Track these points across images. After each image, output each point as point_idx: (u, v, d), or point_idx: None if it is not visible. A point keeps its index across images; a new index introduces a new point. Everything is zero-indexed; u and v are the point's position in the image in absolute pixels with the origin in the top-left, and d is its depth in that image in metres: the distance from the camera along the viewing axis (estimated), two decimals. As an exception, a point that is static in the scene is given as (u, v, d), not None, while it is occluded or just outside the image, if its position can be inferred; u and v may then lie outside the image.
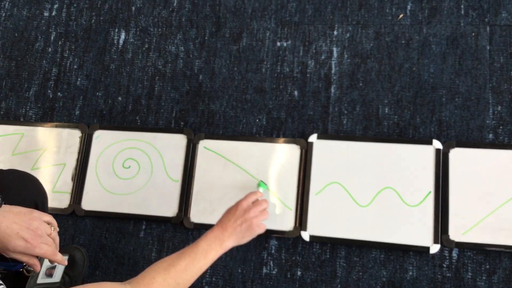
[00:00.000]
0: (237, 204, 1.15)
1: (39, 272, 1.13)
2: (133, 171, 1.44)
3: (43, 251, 0.89)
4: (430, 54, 1.41)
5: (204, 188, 1.40)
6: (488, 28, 1.40)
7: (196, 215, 1.39)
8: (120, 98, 1.53)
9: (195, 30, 1.56)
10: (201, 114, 1.48)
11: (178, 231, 1.40)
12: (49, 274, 1.17)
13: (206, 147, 1.44)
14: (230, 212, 1.14)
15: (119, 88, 1.54)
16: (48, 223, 0.93)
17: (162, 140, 1.46)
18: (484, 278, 1.25)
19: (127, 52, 1.57)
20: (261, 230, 1.14)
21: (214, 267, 1.36)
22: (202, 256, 1.04)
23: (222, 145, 1.43)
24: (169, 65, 1.54)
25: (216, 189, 1.39)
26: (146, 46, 1.56)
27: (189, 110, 1.49)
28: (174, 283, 0.97)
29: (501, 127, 1.33)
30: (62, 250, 1.36)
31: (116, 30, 1.60)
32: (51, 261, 0.97)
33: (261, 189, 1.27)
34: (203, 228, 1.38)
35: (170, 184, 1.42)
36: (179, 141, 1.45)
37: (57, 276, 1.21)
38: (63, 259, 0.94)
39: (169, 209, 1.40)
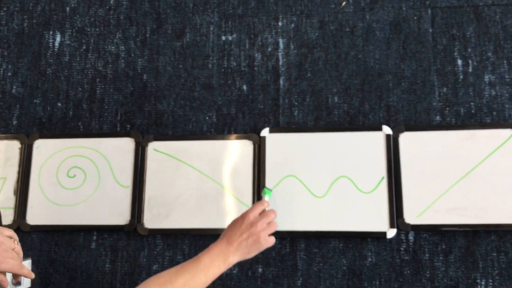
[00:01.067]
0: (243, 216, 1.06)
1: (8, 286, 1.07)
2: (79, 180, 1.38)
3: (9, 266, 0.86)
4: (374, 40, 1.43)
5: (156, 192, 1.36)
6: (429, 11, 1.43)
7: (150, 221, 1.35)
8: (59, 104, 1.46)
9: (135, 28, 1.50)
10: (148, 115, 1.43)
11: (132, 239, 1.36)
12: (17, 283, 1.10)
13: (156, 149, 1.39)
14: (235, 224, 1.05)
15: (57, 94, 1.47)
16: (10, 237, 0.89)
17: (108, 145, 1.40)
18: (441, 258, 1.28)
19: (64, 55, 1.50)
20: (269, 244, 1.05)
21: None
22: (203, 272, 0.97)
23: (173, 146, 1.39)
24: (110, 65, 1.48)
25: (170, 192, 1.36)
26: (84, 48, 1.50)
27: (135, 112, 1.44)
28: None
29: (447, 109, 1.36)
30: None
31: (51, 32, 1.52)
32: (15, 276, 0.94)
33: (266, 197, 1.16)
34: (159, 234, 1.34)
35: (120, 190, 1.37)
36: (126, 144, 1.40)
37: (26, 282, 1.14)
38: (30, 272, 0.90)
39: (121, 217, 1.35)
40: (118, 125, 1.43)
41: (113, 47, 1.49)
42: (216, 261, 0.99)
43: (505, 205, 1.27)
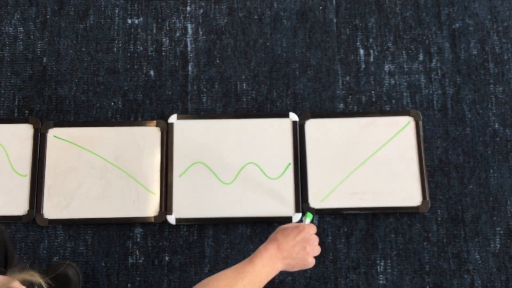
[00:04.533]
0: (300, 229, 1.01)
1: None
2: (-28, 168, 1.31)
3: None
4: (282, 28, 1.46)
5: (57, 181, 1.31)
6: (334, 1, 1.48)
7: (50, 211, 1.30)
8: (-51, 88, 1.37)
9: (34, 9, 1.43)
10: (48, 100, 1.37)
11: (31, 230, 1.30)
12: None
13: (56, 136, 1.34)
14: (290, 233, 1.00)
15: None
16: None
17: (4, 132, 1.33)
18: (343, 240, 1.34)
19: (-47, 35, 1.40)
20: (311, 266, 1.02)
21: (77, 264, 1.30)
22: (258, 278, 0.94)
23: (75, 133, 1.34)
24: (7, 48, 1.40)
25: (71, 180, 1.32)
26: (-23, 27, 1.41)
27: (33, 97, 1.38)
28: None
29: (350, 97, 1.42)
30: (51, 267, 1.23)
31: None
32: None
33: (308, 221, 1.11)
34: (60, 224, 1.30)
35: (17, 179, 1.31)
36: (24, 131, 1.34)
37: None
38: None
39: (19, 207, 1.29)
40: (15, 110, 1.36)
41: (10, 29, 1.41)
42: (267, 267, 0.96)
43: (401, 189, 1.35)
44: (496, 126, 1.40)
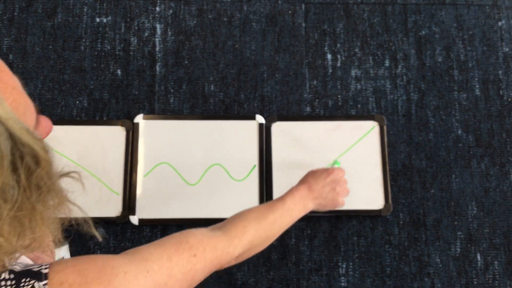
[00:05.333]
0: (329, 172, 1.11)
1: None
2: None
3: None
4: (251, 31, 1.49)
5: (20, 179, 1.32)
6: (303, 6, 1.52)
7: (13, 209, 1.31)
8: None
9: (2, 5, 1.43)
10: (12, 97, 1.38)
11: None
12: None
13: (20, 133, 1.35)
14: (320, 176, 1.09)
15: None
16: None
17: (-33, 129, 1.34)
18: (306, 242, 1.37)
19: None
20: (342, 205, 1.12)
21: (37, 262, 1.30)
22: (288, 213, 1.00)
23: (39, 131, 1.35)
24: (-29, 43, 1.41)
25: (34, 178, 1.33)
26: None
27: (-2, 94, 1.38)
28: (264, 236, 0.94)
29: (316, 100, 1.46)
30: None
31: None
32: None
33: (336, 166, 1.21)
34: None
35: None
36: (-13, 128, 1.34)
37: None
38: None
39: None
40: (-22, 107, 1.37)
41: (-26, 24, 1.42)
42: (298, 205, 1.03)
43: (364, 192, 1.38)
44: (459, 132, 1.44)
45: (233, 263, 0.91)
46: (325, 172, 1.12)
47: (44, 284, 0.58)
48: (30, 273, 0.59)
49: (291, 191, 1.05)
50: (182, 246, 0.76)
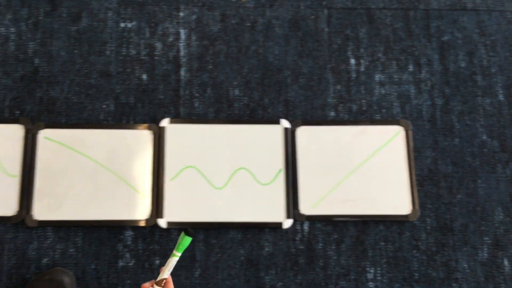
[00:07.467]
0: None
1: None
2: (-40, 168, 1.37)
3: None
4: (274, 36, 1.57)
5: (48, 182, 1.38)
6: (326, 11, 1.60)
7: (40, 212, 1.37)
8: None
9: (27, 10, 1.52)
10: (39, 101, 1.45)
11: (21, 231, 1.37)
12: None
13: (47, 137, 1.42)
14: None
15: None
16: None
17: (-6, 132, 1.41)
18: (333, 247, 1.43)
19: None
20: None
21: (64, 265, 1.36)
22: None
23: (66, 134, 1.42)
24: (-2, 48, 1.48)
25: (62, 182, 1.39)
26: (-32, 27, 1.49)
27: (25, 98, 1.45)
28: None
29: (341, 105, 1.53)
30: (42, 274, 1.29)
31: None
32: None
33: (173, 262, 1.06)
34: (49, 226, 1.37)
35: (7, 180, 1.37)
36: (14, 132, 1.41)
37: None
38: None
39: (8, 208, 1.36)
40: (6, 110, 1.44)
41: (2, 28, 1.49)
42: None
43: (391, 197, 1.45)
44: (484, 137, 1.51)
45: None
46: None
47: None
48: None
49: None
50: None
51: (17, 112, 1.44)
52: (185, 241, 1.02)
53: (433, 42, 1.59)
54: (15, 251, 1.36)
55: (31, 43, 1.49)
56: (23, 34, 1.50)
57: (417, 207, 1.44)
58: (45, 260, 1.35)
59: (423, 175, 1.48)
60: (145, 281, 1.31)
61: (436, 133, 1.51)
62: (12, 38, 1.49)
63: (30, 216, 1.36)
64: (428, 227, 1.44)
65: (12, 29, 1.50)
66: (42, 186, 1.38)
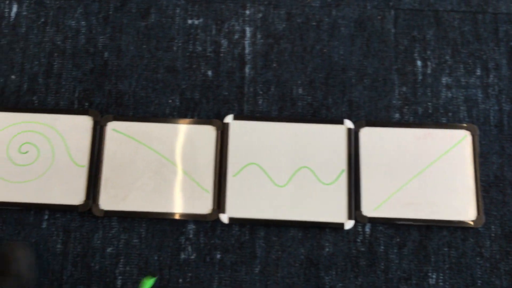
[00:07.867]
0: None
1: None
2: (31, 156, 1.42)
3: None
4: (339, 36, 1.57)
5: (114, 173, 1.42)
6: (392, 12, 1.59)
7: (106, 202, 1.41)
8: (13, 77, 1.49)
9: (97, 4, 1.56)
10: (108, 94, 1.49)
11: (86, 220, 1.41)
12: None
13: (115, 129, 1.46)
14: None
15: (12, 66, 1.50)
16: None
17: (64, 122, 1.45)
18: (395, 250, 1.42)
19: (20, 26, 1.53)
20: None
21: (127, 255, 1.39)
22: None
23: (133, 127, 1.46)
24: (69, 40, 1.53)
25: (128, 173, 1.42)
26: (42, 20, 1.54)
27: (94, 90, 1.50)
28: None
29: (406, 107, 1.52)
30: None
31: (7, 2, 1.55)
32: None
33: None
34: (115, 216, 1.41)
35: (75, 169, 1.42)
36: (84, 123, 1.45)
37: None
38: None
39: (75, 197, 1.40)
40: (75, 102, 1.48)
41: (73, 22, 1.55)
42: None
43: (456, 203, 1.43)
44: (553, 145, 1.48)
45: None
46: None
47: None
48: None
49: None
50: None
51: (86, 104, 1.48)
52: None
53: (501, 46, 1.57)
54: (80, 239, 1.40)
55: (101, 37, 1.54)
56: (93, 28, 1.54)
57: (481, 213, 1.42)
58: (109, 249, 1.39)
59: (489, 181, 1.45)
60: (205, 275, 1.34)
61: (503, 139, 1.49)
62: (83, 31, 1.54)
63: (97, 205, 1.40)
64: (493, 234, 1.42)
65: (83, 23, 1.55)
66: (108, 177, 1.42)
